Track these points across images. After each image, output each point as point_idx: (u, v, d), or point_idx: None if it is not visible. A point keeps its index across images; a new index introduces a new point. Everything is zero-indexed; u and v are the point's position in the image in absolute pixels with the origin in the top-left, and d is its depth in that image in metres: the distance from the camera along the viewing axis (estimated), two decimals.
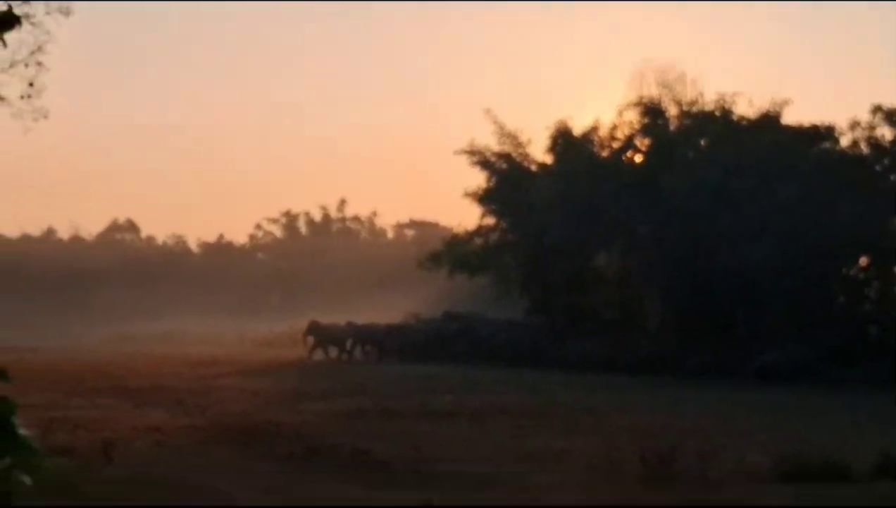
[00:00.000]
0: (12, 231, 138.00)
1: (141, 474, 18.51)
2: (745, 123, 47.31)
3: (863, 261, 45.86)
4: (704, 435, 22.97)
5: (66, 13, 28.77)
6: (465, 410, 28.99)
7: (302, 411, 28.96)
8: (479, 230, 54.14)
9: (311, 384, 37.60)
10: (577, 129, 50.55)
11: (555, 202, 46.81)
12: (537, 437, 24.30)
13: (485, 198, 52.19)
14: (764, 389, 35.21)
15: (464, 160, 52.54)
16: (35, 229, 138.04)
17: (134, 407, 29.52)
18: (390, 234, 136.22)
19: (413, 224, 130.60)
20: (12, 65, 28.08)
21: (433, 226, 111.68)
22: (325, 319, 56.86)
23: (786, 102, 47.07)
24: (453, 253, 54.45)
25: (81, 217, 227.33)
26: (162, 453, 21.40)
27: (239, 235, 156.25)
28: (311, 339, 55.34)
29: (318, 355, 53.59)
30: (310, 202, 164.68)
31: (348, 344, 54.69)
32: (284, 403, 31.15)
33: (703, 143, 48.82)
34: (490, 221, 53.53)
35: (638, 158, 49.59)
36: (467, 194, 52.67)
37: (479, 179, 52.99)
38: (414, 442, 22.68)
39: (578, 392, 33.85)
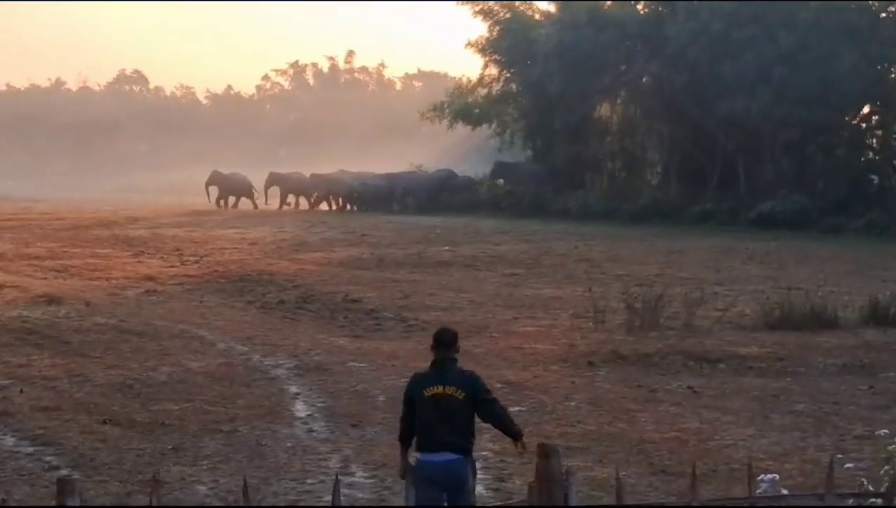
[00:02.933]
0: (21, 82, 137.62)
1: (124, 322, 18.68)
2: None
3: (864, 110, 45.44)
4: (697, 284, 23.03)
5: None
6: (460, 259, 29.12)
7: (300, 260, 29.14)
8: (482, 81, 53.69)
9: (314, 234, 37.71)
10: None
11: (557, 52, 46.28)
12: (528, 285, 24.46)
13: (487, 48, 51.61)
14: (763, 238, 35.17)
15: (468, 9, 51.90)
16: (43, 80, 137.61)
17: (132, 256, 29.73)
18: (399, 86, 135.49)
19: (422, 75, 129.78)
20: None
21: (442, 77, 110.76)
22: (327, 169, 56.83)
23: None
24: (455, 104, 54.03)
25: (90, 68, 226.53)
26: (151, 300, 21.59)
27: (247, 86, 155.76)
28: (213, 189, 56.24)
29: (323, 206, 53.68)
30: (318, 53, 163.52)
31: (314, 196, 55.05)
32: (283, 252, 31.33)
33: None
34: (493, 71, 53.05)
35: (641, 7, 48.85)
36: (469, 45, 52.16)
37: (482, 28, 52.49)
38: (405, 291, 22.86)
39: (575, 242, 33.93)
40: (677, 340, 17.30)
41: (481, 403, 7.80)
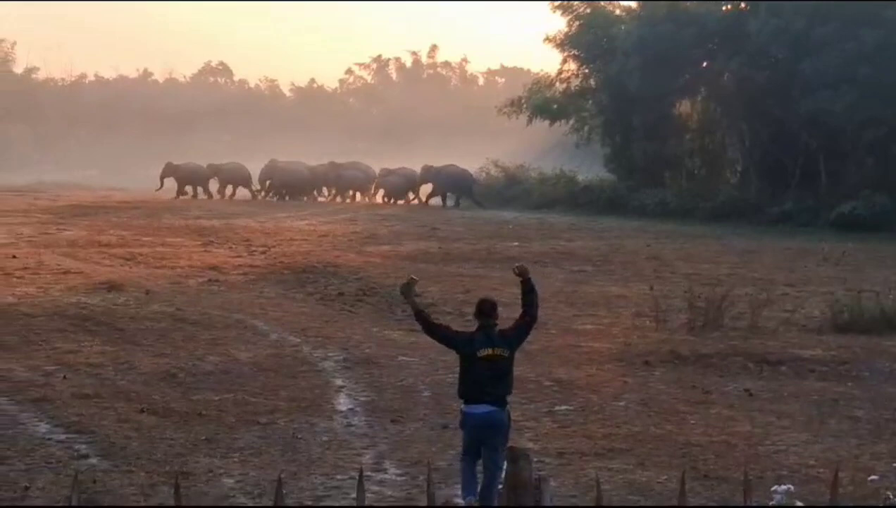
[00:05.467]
0: (109, 73, 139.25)
1: (180, 310, 18.61)
2: None
3: None
4: (767, 285, 22.46)
5: None
6: (528, 255, 28.71)
7: (367, 253, 28.94)
8: (561, 76, 53.11)
9: (386, 227, 37.56)
10: None
11: (637, 48, 45.68)
12: (594, 282, 24.06)
13: (566, 43, 51.05)
14: (842, 239, 34.33)
15: (548, 5, 51.39)
16: (131, 71, 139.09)
17: (201, 246, 29.75)
18: (481, 81, 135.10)
19: (504, 71, 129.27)
20: None
21: (525, 73, 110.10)
22: (394, 165, 56.83)
23: None
24: (533, 99, 53.52)
25: (176, 60, 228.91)
26: (211, 290, 21.51)
27: (330, 80, 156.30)
28: (168, 181, 55.96)
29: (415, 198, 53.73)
30: (401, 48, 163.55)
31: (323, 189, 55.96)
32: (351, 245, 31.17)
33: None
34: (571, 67, 52.42)
35: (722, 5, 47.99)
36: (548, 40, 51.60)
37: (561, 23, 51.85)
38: (467, 286, 22.54)
39: (648, 239, 33.38)
40: (740, 341, 16.81)
41: (521, 334, 9.21)
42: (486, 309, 9.06)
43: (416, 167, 54.24)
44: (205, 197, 55.18)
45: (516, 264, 9.53)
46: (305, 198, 55.85)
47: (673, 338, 17.11)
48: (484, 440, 8.78)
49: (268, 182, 55.98)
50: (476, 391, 8.79)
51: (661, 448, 11.05)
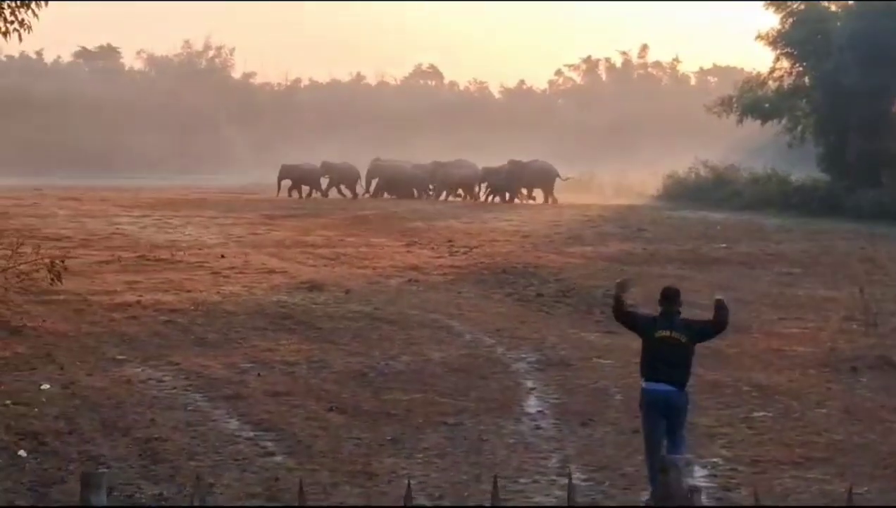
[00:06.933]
0: (322, 77, 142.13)
1: (378, 310, 18.67)
2: None
3: None
4: None
5: None
6: (735, 256, 28.04)
7: (569, 253, 28.61)
8: (773, 74, 51.75)
9: (590, 228, 37.14)
10: None
11: (853, 43, 44.15)
12: (802, 285, 23.28)
13: (779, 40, 49.71)
14: None
15: (760, 3, 50.14)
16: (344, 75, 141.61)
17: (403, 246, 29.88)
18: (693, 81, 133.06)
19: (716, 70, 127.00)
20: None
21: (738, 72, 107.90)
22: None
23: None
24: (744, 98, 52.27)
25: (387, 63, 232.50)
26: (410, 290, 21.55)
27: (539, 81, 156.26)
28: (286, 183, 55.25)
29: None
30: (611, 48, 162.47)
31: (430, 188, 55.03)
32: (554, 245, 30.85)
33: None
34: (784, 64, 51.01)
35: None
36: (760, 37, 50.31)
37: (774, 21, 50.49)
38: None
39: (862, 243, 32.12)
40: None
41: (704, 331, 9.89)
42: (670, 295, 9.81)
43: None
44: (317, 195, 55.36)
45: (717, 296, 10.29)
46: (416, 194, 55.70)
47: (883, 343, 16.37)
48: (662, 416, 9.38)
49: (374, 181, 56.16)
50: (652, 370, 9.45)
51: (864, 458, 10.54)
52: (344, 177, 56.06)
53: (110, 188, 59.03)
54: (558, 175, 53.00)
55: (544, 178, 53.27)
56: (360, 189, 55.41)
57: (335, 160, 58.12)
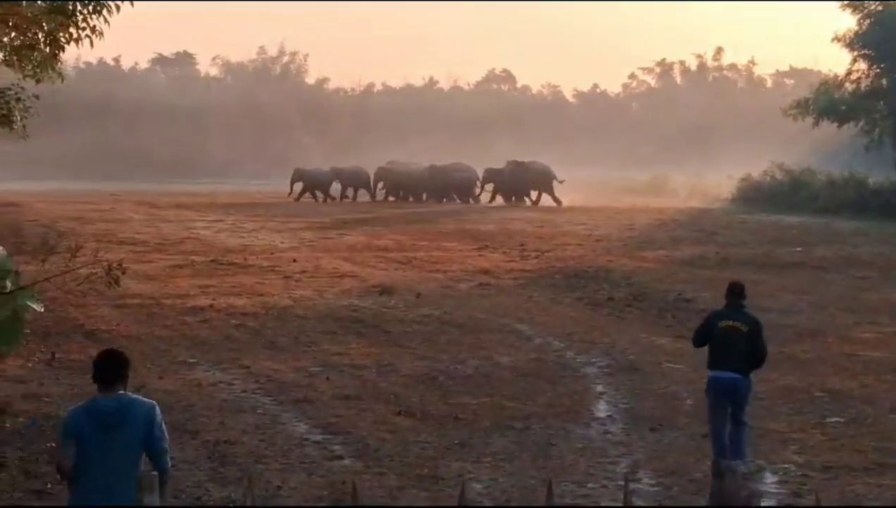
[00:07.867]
0: (396, 81, 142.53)
1: (448, 314, 18.67)
2: None
3: None
4: None
5: None
6: (810, 260, 27.69)
7: (641, 257, 28.42)
8: (850, 76, 51.06)
9: (663, 232, 36.86)
10: None
11: None
12: (879, 290, 22.92)
13: (856, 42, 49.05)
14: None
15: (836, 4, 49.55)
16: (417, 80, 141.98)
17: (475, 250, 29.85)
18: (769, 83, 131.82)
19: (793, 73, 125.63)
20: None
21: (814, 74, 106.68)
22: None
23: None
24: (820, 100, 51.59)
25: (461, 68, 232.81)
26: (481, 294, 21.51)
27: (613, 84, 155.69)
28: (298, 185, 55.74)
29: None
30: (685, 51, 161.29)
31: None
32: (626, 249, 30.66)
33: None
34: (862, 67, 50.32)
35: None
36: (836, 39, 49.69)
37: (851, 22, 49.86)
38: None
39: None
40: None
41: (756, 337, 10.19)
42: (736, 289, 10.51)
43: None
44: (329, 201, 55.53)
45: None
46: (411, 198, 55.94)
47: None
48: (728, 402, 10.02)
49: (381, 184, 56.48)
50: (716, 358, 10.12)
51: None
52: (353, 181, 56.95)
53: (186, 193, 59.68)
54: (555, 177, 53.32)
55: (543, 179, 53.77)
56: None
57: (343, 165, 59.89)
